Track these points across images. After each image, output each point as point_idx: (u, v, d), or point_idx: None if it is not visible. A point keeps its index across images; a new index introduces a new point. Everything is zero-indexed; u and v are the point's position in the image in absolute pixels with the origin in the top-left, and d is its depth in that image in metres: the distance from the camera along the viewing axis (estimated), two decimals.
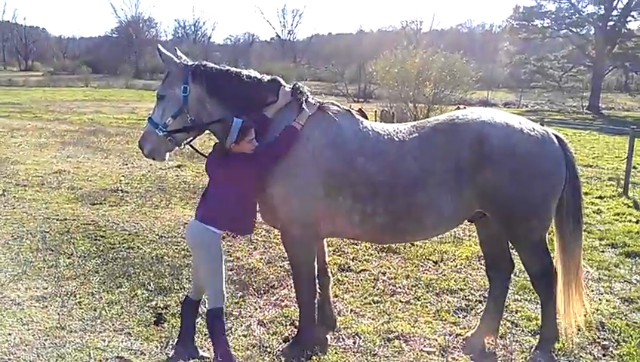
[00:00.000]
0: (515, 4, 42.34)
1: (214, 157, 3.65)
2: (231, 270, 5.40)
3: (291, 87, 3.79)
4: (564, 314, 3.81)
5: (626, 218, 7.78)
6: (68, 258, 5.56)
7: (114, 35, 73.39)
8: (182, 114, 3.74)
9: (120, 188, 8.62)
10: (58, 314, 4.35)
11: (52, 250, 5.75)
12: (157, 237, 6.35)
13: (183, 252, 5.85)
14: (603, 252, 6.26)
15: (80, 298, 4.67)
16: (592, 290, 5.10)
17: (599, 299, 4.94)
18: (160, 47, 3.88)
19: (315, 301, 3.91)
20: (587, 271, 5.54)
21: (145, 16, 72.85)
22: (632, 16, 38.71)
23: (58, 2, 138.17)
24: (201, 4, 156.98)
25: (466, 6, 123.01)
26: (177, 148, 3.98)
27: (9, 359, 3.68)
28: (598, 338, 4.25)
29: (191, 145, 4.01)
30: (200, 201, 3.73)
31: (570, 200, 3.68)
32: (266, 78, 3.83)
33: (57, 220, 6.79)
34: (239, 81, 3.76)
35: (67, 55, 75.43)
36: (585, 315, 3.90)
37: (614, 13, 37.86)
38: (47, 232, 6.31)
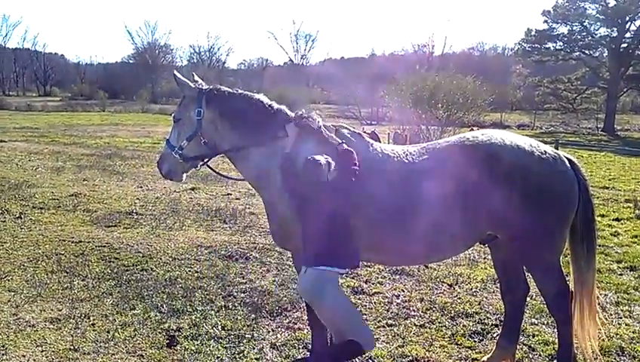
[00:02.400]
0: (526, 27, 42.40)
1: (298, 196, 3.53)
2: (244, 292, 5.38)
3: (295, 116, 3.82)
4: (580, 338, 3.74)
5: None
6: (82, 280, 5.59)
7: (130, 61, 74.85)
8: (196, 137, 3.83)
9: (134, 211, 8.69)
10: (72, 336, 4.36)
11: (67, 272, 5.79)
12: (170, 259, 6.37)
13: (196, 274, 5.86)
14: (621, 275, 6.14)
15: (93, 320, 4.68)
16: (611, 314, 5.00)
17: (618, 324, 4.83)
18: (176, 72, 4.01)
19: None
20: (605, 295, 5.44)
21: (161, 43, 74.31)
22: None
23: (76, 29, 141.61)
24: (216, 30, 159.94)
25: (477, 29, 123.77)
26: (194, 168, 4.05)
27: None
28: None
29: (208, 166, 4.07)
30: (301, 249, 3.57)
31: (583, 223, 3.63)
32: (275, 106, 3.88)
33: (72, 242, 6.85)
34: (249, 106, 3.84)
35: (85, 80, 76.90)
36: (602, 339, 3.81)
37: (627, 35, 37.84)
38: (63, 254, 6.36)
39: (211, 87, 3.95)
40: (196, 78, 4.00)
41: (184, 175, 4.01)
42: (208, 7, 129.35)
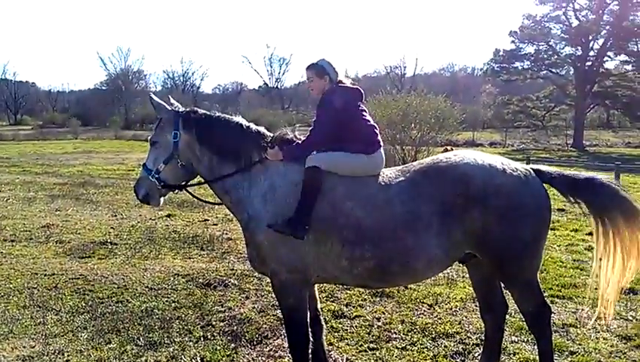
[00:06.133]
0: (494, 48, 43.39)
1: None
2: (223, 321, 5.30)
3: (276, 137, 3.85)
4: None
5: None
6: (56, 314, 5.44)
7: (103, 88, 74.16)
8: (173, 160, 3.83)
9: (109, 241, 8.52)
10: None
11: (39, 307, 5.62)
12: (147, 289, 6.25)
13: (173, 304, 5.75)
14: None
15: (68, 356, 4.54)
16: (589, 329, 5.06)
17: (596, 338, 4.89)
18: (152, 95, 4.01)
19: (309, 350, 3.84)
20: (582, 309, 5.52)
21: (134, 68, 73.88)
22: (609, 56, 40.02)
23: (47, 56, 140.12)
24: (189, 55, 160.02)
25: (447, 51, 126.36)
26: (172, 192, 4.02)
27: None
28: None
29: (186, 190, 4.04)
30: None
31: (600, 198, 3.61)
32: (253, 127, 3.90)
33: (45, 275, 6.67)
34: (227, 129, 3.84)
35: (56, 108, 75.95)
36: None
37: (591, 53, 39.07)
38: (35, 288, 6.18)
39: (188, 109, 3.95)
40: (172, 100, 4.00)
41: (161, 199, 3.97)
42: (181, 33, 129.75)
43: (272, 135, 3.91)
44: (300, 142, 3.81)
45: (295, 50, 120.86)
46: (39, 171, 19.03)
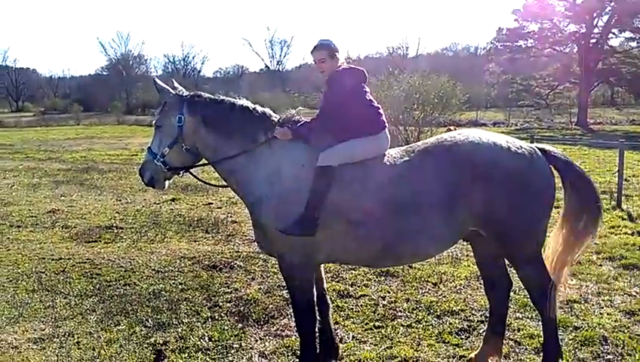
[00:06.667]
0: (498, 27, 42.98)
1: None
2: (229, 302, 5.36)
3: (280, 119, 3.85)
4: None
5: (621, 230, 7.82)
6: (64, 298, 5.50)
7: (104, 73, 73.96)
8: (177, 143, 3.82)
9: (114, 225, 8.58)
10: (56, 355, 4.29)
11: (48, 291, 5.69)
12: (153, 272, 6.31)
13: (180, 286, 5.81)
14: (601, 266, 6.26)
15: (78, 338, 4.60)
16: (593, 305, 5.10)
17: (600, 313, 4.92)
18: (156, 79, 3.98)
19: (316, 329, 3.89)
20: (586, 286, 5.55)
21: (134, 53, 73.55)
22: (613, 33, 39.48)
23: (47, 43, 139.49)
24: (190, 39, 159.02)
25: (450, 30, 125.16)
26: (176, 176, 4.02)
27: None
28: (602, 352, 4.23)
29: (190, 173, 4.04)
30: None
31: (584, 196, 3.69)
32: (259, 109, 3.90)
33: (52, 260, 6.74)
34: (232, 112, 3.84)
35: (58, 94, 75.84)
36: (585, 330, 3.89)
37: (595, 31, 38.62)
38: (43, 272, 6.25)
39: (192, 93, 3.94)
40: (176, 84, 3.98)
41: (167, 182, 3.98)
42: (182, 16, 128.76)
43: (278, 116, 3.90)
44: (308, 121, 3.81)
45: (296, 32, 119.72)
46: (43, 157, 19.09)
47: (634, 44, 39.89)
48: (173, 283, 5.90)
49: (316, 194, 3.56)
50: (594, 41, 38.48)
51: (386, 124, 3.87)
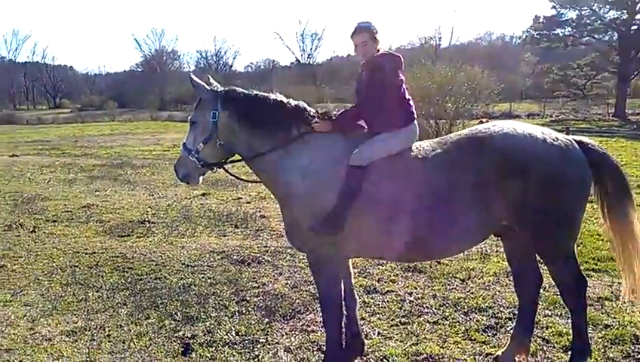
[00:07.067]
0: (534, 14, 41.89)
1: None
2: (257, 296, 5.40)
3: (319, 112, 3.85)
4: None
5: None
6: (97, 291, 5.65)
7: (139, 69, 75.35)
8: (212, 139, 3.82)
9: (147, 219, 8.76)
10: (88, 348, 4.41)
11: (81, 284, 5.85)
12: (183, 266, 6.41)
13: (209, 280, 5.89)
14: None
15: (109, 331, 4.72)
16: (625, 302, 4.94)
17: (632, 311, 4.77)
18: (192, 75, 3.99)
19: (342, 324, 3.89)
20: (618, 283, 5.39)
21: (168, 49, 74.71)
22: None
23: (84, 40, 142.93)
24: (222, 34, 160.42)
25: (484, 19, 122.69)
26: (211, 171, 4.06)
27: None
28: (633, 351, 4.10)
29: (224, 168, 4.06)
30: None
31: (618, 189, 3.66)
32: (293, 102, 3.89)
33: (86, 254, 6.92)
34: (266, 106, 3.82)
35: (94, 91, 77.59)
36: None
37: (638, 17, 37.25)
38: (77, 266, 6.43)
39: (227, 88, 3.94)
40: (211, 80, 3.98)
41: (200, 178, 4.00)
42: (214, 12, 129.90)
43: (313, 110, 3.89)
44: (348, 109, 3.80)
45: (327, 24, 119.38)
46: (78, 153, 19.60)
47: None
48: (202, 278, 5.98)
49: (347, 194, 3.54)
50: (635, 27, 37.15)
51: (415, 116, 3.83)
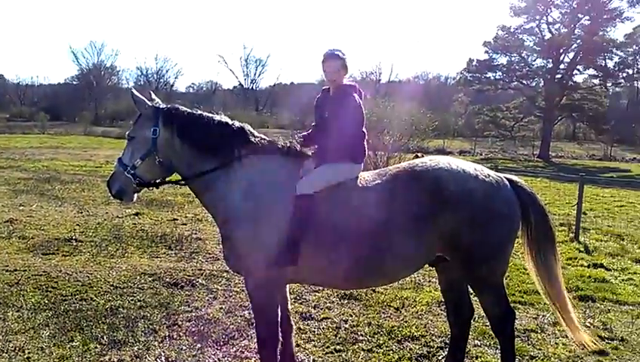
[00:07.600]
0: (468, 58, 44.12)
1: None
2: (189, 321, 5.25)
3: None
4: (574, 332, 4.06)
5: (577, 262, 8.02)
6: (17, 311, 5.31)
7: (74, 82, 72.62)
8: (150, 155, 3.76)
9: (74, 238, 8.35)
10: None
11: (0, 303, 5.48)
12: (112, 287, 6.15)
13: (138, 303, 5.67)
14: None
15: (29, 353, 4.43)
16: (549, 334, 5.19)
17: (556, 343, 5.02)
18: (134, 90, 3.91)
19: (277, 351, 3.85)
20: (543, 316, 5.66)
21: (107, 64, 72.52)
22: (578, 70, 41.13)
23: (17, 48, 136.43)
24: (164, 52, 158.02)
25: (422, 58, 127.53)
26: (146, 188, 3.96)
27: None
28: None
29: (163, 184, 3.98)
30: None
31: (541, 232, 3.87)
32: (237, 124, 3.88)
33: (7, 271, 6.50)
34: (209, 126, 3.80)
35: (25, 102, 73.96)
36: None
37: (561, 66, 40.09)
38: None
39: (169, 105, 3.89)
40: (153, 96, 3.93)
41: (135, 196, 3.91)
42: (157, 29, 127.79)
43: (257, 134, 3.88)
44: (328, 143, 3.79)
45: (272, 52, 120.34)
46: (4, 165, 18.51)
47: (596, 81, 41.55)
48: (132, 300, 5.76)
49: (298, 226, 3.55)
50: (559, 76, 39.94)
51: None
